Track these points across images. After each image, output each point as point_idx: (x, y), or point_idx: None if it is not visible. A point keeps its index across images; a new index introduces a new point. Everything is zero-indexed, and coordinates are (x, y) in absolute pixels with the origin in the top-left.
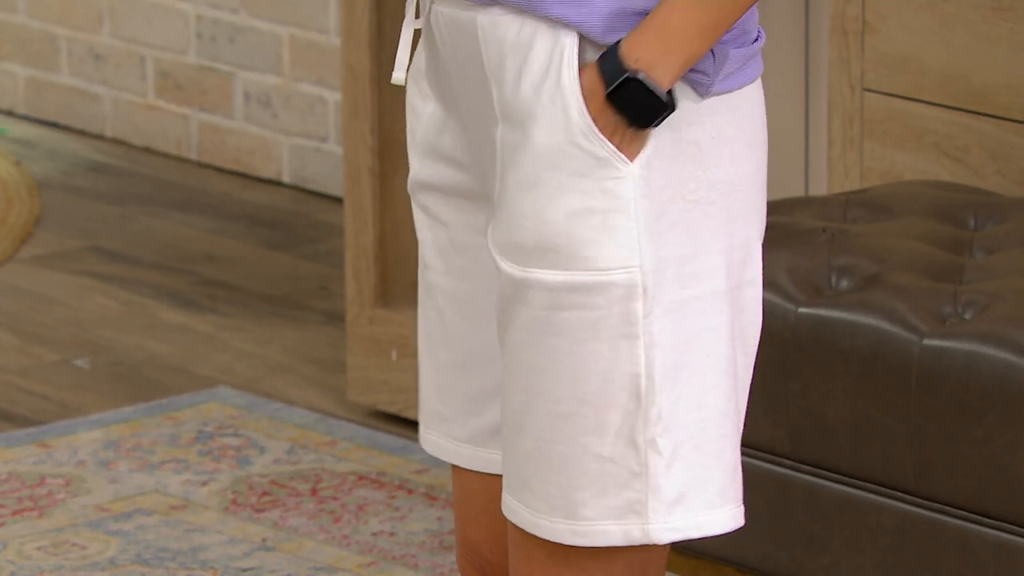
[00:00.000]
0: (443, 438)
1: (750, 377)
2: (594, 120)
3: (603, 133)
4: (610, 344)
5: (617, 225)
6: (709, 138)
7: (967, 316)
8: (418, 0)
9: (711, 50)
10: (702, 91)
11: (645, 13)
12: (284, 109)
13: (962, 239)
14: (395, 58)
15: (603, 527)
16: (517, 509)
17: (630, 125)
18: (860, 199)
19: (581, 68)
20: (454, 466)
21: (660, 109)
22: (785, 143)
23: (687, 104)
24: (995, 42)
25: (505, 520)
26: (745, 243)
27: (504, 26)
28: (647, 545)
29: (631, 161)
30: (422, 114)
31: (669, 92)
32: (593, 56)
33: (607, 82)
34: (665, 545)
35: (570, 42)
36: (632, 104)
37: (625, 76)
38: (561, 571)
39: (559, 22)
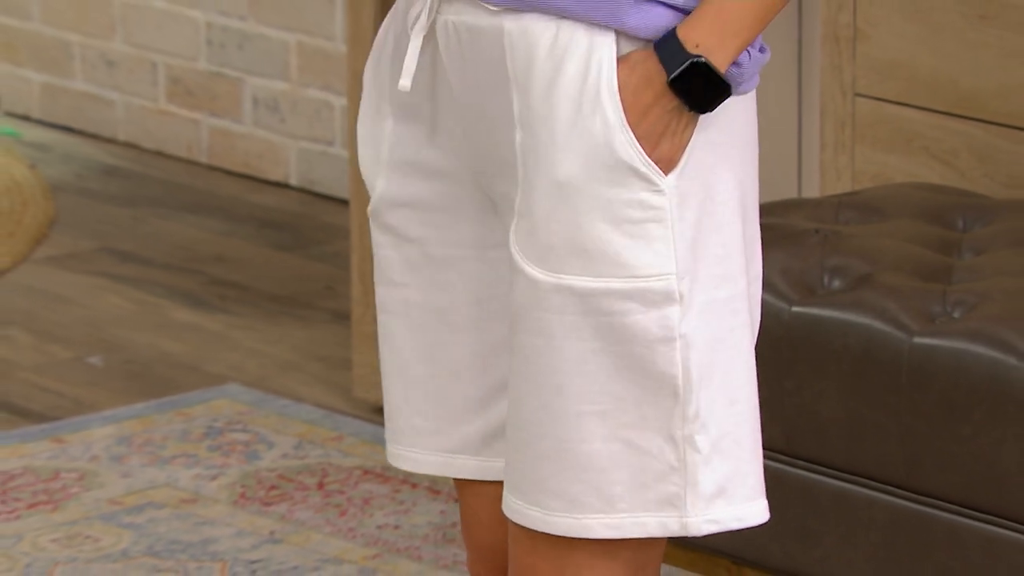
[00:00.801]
0: (426, 452)
1: None
2: (644, 114)
3: (649, 129)
4: (647, 347)
5: (653, 235)
6: (729, 142)
7: (956, 315)
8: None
9: (747, 51)
10: (732, 87)
11: (685, 10)
12: (292, 114)
13: (951, 240)
14: (402, 65)
15: (640, 519)
16: (525, 511)
17: (691, 109)
18: (852, 201)
19: (620, 68)
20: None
21: (722, 92)
22: (779, 147)
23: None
24: (982, 49)
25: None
26: (752, 241)
27: (537, 33)
28: (651, 538)
29: (667, 175)
30: (384, 132)
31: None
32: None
33: (669, 68)
34: (663, 538)
35: (608, 53)
36: (695, 88)
37: (689, 61)
38: (566, 564)
39: (598, 26)
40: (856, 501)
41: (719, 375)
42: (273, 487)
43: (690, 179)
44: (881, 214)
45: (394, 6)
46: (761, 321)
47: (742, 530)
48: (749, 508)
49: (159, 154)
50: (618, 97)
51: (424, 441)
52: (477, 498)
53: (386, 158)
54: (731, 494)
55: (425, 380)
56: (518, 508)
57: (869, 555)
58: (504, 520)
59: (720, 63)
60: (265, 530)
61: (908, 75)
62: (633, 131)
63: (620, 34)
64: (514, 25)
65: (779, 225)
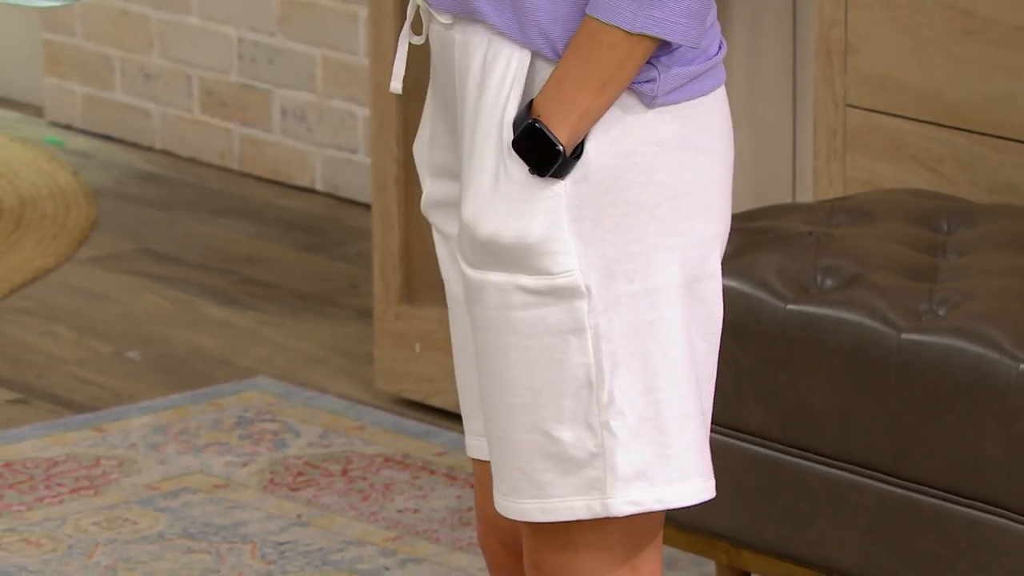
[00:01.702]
0: (469, 436)
1: (714, 363)
2: None
3: None
4: (560, 338)
5: (555, 236)
6: (652, 145)
7: (941, 313)
8: (416, 18)
9: (654, 65)
10: (647, 102)
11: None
12: (318, 123)
13: (936, 242)
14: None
15: (569, 503)
16: (494, 493)
17: (531, 172)
18: (843, 206)
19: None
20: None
21: (554, 158)
22: (775, 154)
23: (632, 114)
24: (966, 62)
25: None
26: (704, 240)
27: (474, 46)
28: (643, 516)
29: (562, 179)
30: (423, 137)
31: (581, 146)
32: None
33: (514, 129)
34: (659, 515)
35: (520, 72)
36: (531, 151)
37: (525, 124)
38: (565, 546)
39: (517, 44)
40: (847, 487)
41: (637, 364)
42: (300, 473)
43: (592, 183)
44: (871, 218)
45: None
46: (757, 319)
47: (740, 513)
48: (672, 490)
49: (193, 161)
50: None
51: (468, 425)
52: (488, 475)
53: (427, 161)
54: (652, 476)
55: (464, 368)
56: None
57: (859, 537)
58: None
59: (558, 129)
60: (292, 514)
61: (896, 87)
62: None
63: (536, 54)
64: (461, 38)
65: (775, 228)
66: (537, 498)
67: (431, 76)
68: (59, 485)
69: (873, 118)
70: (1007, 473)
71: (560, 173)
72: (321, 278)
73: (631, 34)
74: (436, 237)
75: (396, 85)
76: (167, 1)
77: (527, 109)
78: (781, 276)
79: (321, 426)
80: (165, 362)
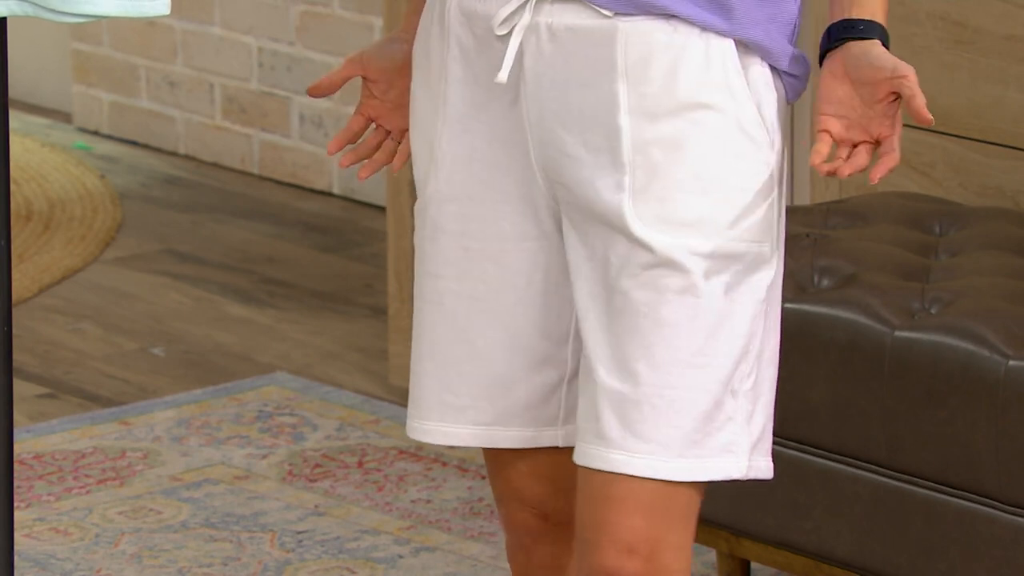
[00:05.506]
0: (456, 425)
1: None
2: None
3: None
4: (743, 306)
5: (762, 203)
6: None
7: (933, 311)
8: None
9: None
10: (791, 97)
11: (791, 23)
12: (335, 129)
13: (928, 243)
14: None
15: (706, 464)
16: (628, 460)
17: None
18: (839, 208)
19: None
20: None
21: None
22: None
23: (785, 107)
24: (957, 71)
25: (563, 470)
26: None
27: (653, 30)
28: (704, 484)
29: (775, 148)
30: (438, 128)
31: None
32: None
33: (884, 41)
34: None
35: (728, 44)
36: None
37: (879, 32)
38: (661, 512)
39: (711, 30)
40: (842, 478)
41: (772, 341)
42: (317, 465)
43: (779, 155)
44: (865, 220)
45: (427, 8)
46: None
47: (740, 503)
48: (767, 461)
49: (215, 165)
50: (744, 79)
51: (454, 416)
52: (524, 460)
53: (442, 153)
54: (761, 447)
55: (458, 361)
56: (614, 459)
57: (854, 526)
58: (554, 468)
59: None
60: (310, 504)
61: None
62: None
63: (742, 43)
64: (628, 26)
65: None
66: (685, 458)
67: (510, 66)
68: (86, 476)
69: None
70: (996, 465)
71: None
72: (337, 277)
73: None
74: (426, 234)
75: (503, 76)
76: (191, 12)
77: (873, 22)
78: None
79: (337, 420)
80: (188, 358)
